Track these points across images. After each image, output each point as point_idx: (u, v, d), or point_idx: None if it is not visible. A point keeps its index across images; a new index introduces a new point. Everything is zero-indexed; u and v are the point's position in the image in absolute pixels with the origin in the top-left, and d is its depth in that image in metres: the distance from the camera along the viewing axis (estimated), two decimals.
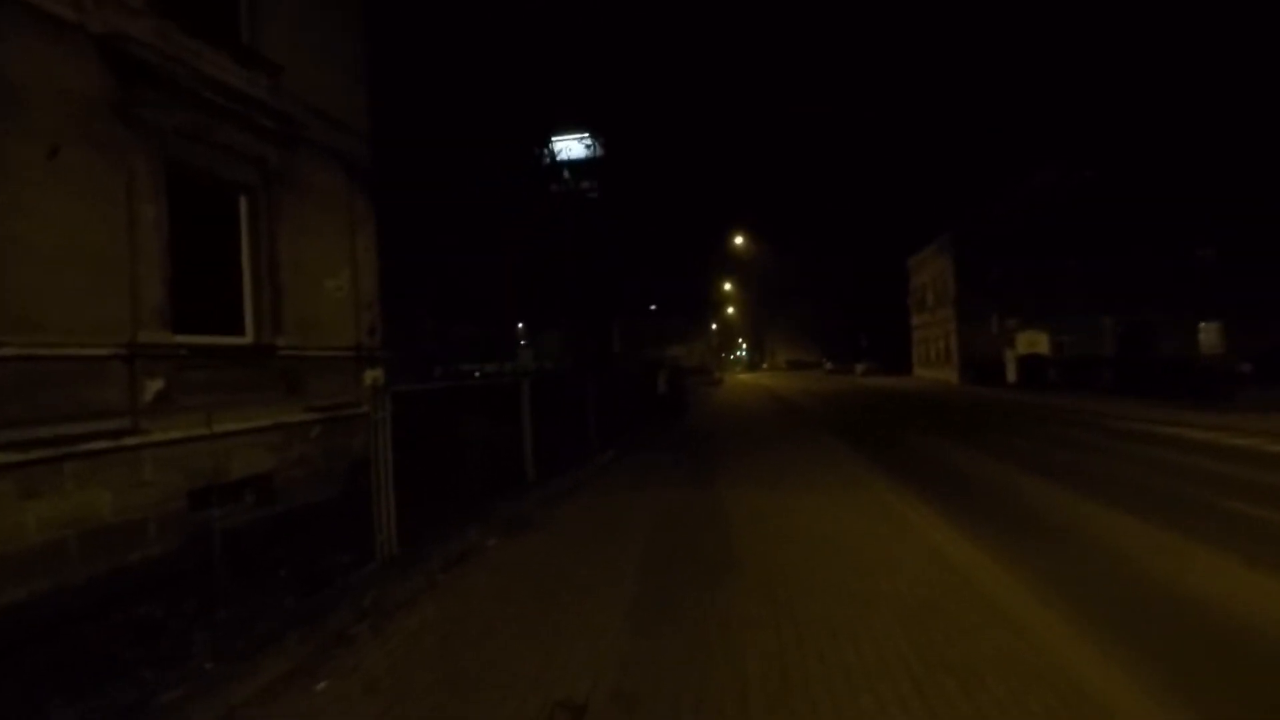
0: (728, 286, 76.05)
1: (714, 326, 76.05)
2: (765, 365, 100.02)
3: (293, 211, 8.14)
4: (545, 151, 24.04)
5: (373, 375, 9.46)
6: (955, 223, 37.02)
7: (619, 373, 16.61)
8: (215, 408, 6.73)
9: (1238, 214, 28.92)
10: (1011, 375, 27.39)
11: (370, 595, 4.39)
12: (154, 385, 6.13)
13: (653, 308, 73.01)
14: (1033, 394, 22.87)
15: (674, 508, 7.20)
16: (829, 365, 67.60)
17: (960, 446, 11.78)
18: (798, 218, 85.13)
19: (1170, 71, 37.27)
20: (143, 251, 6.09)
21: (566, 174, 25.42)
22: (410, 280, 18.02)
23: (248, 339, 7.58)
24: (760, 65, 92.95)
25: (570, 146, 26.52)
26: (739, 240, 45.81)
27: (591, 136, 25.19)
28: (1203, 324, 31.23)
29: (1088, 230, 31.10)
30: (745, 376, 69.27)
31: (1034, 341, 27.70)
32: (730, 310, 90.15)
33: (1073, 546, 5.40)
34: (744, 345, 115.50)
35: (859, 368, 56.95)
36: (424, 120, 17.23)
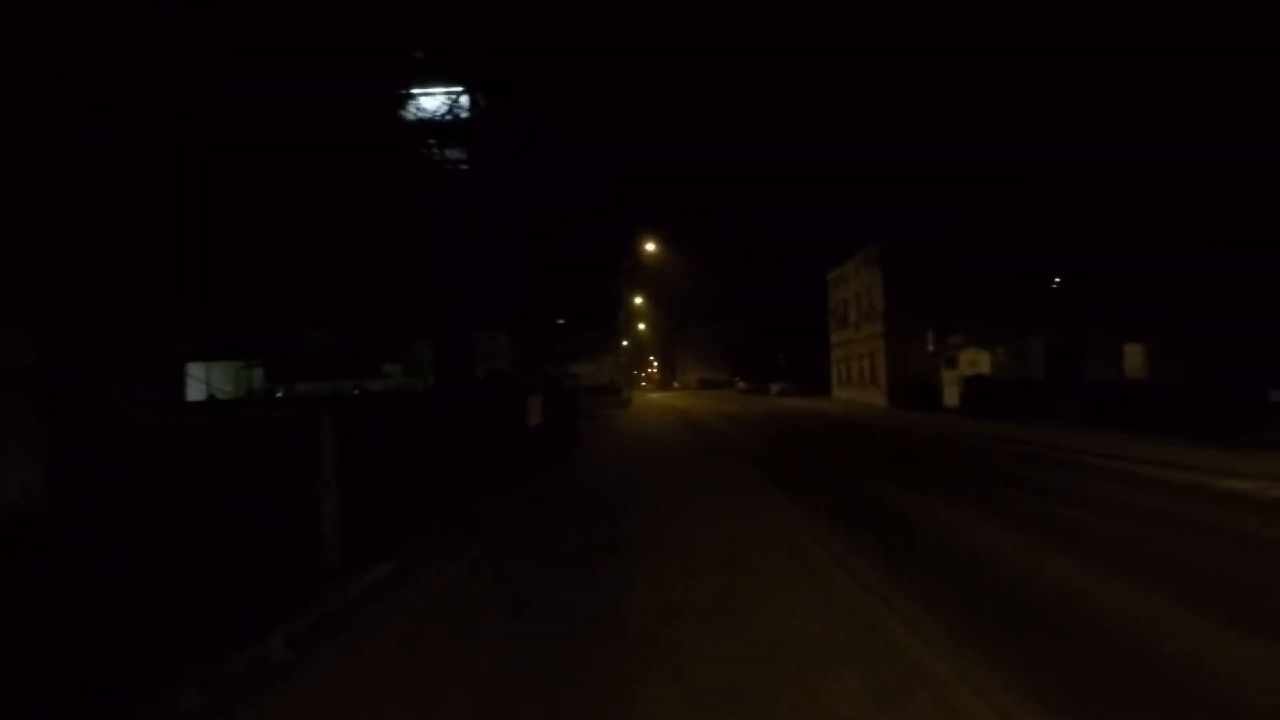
0: (639, 300, 72.10)
1: (624, 343, 71.73)
2: (676, 384, 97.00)
3: None
4: (405, 104, 18.48)
5: None
6: (879, 238, 34.62)
7: (473, 400, 11.31)
8: None
9: (1164, 235, 27.80)
10: (952, 399, 24.38)
11: None
12: None
13: (560, 321, 67.52)
14: (985, 422, 19.62)
15: None
16: (742, 384, 64.93)
17: (977, 517, 7.45)
18: (712, 232, 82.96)
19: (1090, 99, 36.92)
20: None
21: (433, 141, 19.87)
22: (156, 254, 11.90)
23: None
24: (675, 73, 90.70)
25: (443, 101, 20.71)
26: (650, 247, 41.61)
27: (465, 91, 19.59)
28: (1126, 346, 30.02)
29: (1017, 248, 29.29)
30: (656, 396, 65.25)
31: (976, 361, 24.98)
32: (641, 326, 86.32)
33: None
34: (655, 362, 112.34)
35: (774, 388, 54.18)
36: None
